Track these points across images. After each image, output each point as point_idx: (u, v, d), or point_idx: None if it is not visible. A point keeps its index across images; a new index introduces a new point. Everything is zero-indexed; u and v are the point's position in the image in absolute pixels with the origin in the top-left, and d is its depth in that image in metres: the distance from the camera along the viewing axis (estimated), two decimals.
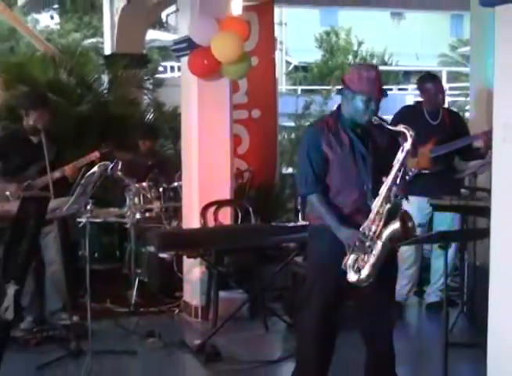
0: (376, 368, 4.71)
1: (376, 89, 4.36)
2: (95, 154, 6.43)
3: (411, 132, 4.31)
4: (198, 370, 5.48)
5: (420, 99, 6.84)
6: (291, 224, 7.05)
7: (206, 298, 6.51)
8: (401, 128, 4.36)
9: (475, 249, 6.12)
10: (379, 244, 4.28)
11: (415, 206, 6.46)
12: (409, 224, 4.29)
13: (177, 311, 6.75)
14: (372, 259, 4.29)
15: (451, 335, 5.15)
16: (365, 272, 4.29)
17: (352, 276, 4.31)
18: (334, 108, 4.66)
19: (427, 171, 6.43)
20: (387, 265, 4.40)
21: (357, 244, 4.27)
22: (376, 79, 4.37)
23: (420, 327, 6.76)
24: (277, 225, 7.26)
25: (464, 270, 6.50)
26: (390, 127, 4.40)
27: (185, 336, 6.05)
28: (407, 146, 4.31)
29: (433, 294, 6.77)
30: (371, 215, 4.31)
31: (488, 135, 6.24)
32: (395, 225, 4.24)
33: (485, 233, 4.01)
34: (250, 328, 6.28)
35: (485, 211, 4.10)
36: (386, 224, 4.28)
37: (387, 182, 4.29)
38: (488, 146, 6.32)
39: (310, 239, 4.67)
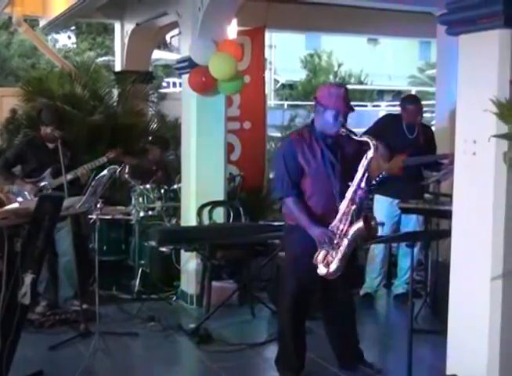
0: (341, 345, 4.77)
1: (344, 105, 4.40)
2: (103, 159, 6.41)
3: (374, 142, 4.34)
4: (192, 350, 5.45)
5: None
6: (276, 223, 7.04)
7: (200, 287, 6.48)
8: (365, 137, 4.41)
9: (438, 247, 6.12)
10: (345, 241, 4.32)
11: (385, 206, 6.48)
12: (372, 223, 4.34)
13: (174, 298, 6.72)
14: (339, 255, 4.32)
15: (415, 323, 5.19)
16: (333, 267, 4.36)
17: (322, 270, 4.37)
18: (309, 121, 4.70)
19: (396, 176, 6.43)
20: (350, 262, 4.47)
21: (326, 240, 4.29)
22: (343, 96, 4.41)
23: (388, 316, 6.75)
24: (264, 223, 7.28)
25: (428, 265, 6.49)
26: (356, 137, 4.43)
27: (182, 320, 6.03)
28: (370, 153, 4.35)
29: (400, 286, 6.76)
30: (338, 215, 4.34)
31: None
32: (359, 224, 4.30)
33: (447, 234, 4.01)
34: (239, 314, 6.25)
35: (448, 214, 4.09)
36: (351, 223, 4.31)
37: (353, 185, 4.31)
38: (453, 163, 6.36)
39: (285, 235, 4.75)
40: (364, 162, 4.33)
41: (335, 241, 4.32)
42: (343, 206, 4.34)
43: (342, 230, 4.33)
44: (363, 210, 4.44)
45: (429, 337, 5.33)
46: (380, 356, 5.41)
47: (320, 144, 4.46)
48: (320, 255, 4.36)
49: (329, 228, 4.35)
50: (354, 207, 4.32)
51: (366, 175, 4.35)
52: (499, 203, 3.50)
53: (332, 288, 4.62)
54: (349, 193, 4.33)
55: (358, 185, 4.32)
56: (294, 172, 4.45)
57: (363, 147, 4.41)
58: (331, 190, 4.42)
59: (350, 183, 4.33)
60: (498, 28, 3.43)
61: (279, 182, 4.53)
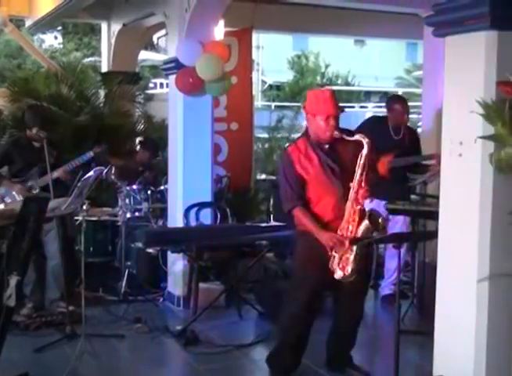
0: (337, 347, 4.76)
1: (332, 107, 4.39)
2: (90, 153, 6.38)
3: (366, 140, 4.35)
4: (179, 352, 5.44)
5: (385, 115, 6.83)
6: (264, 224, 7.08)
7: (187, 288, 6.47)
8: (357, 137, 4.40)
9: (425, 248, 6.14)
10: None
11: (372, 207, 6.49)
12: (379, 220, 4.36)
13: (161, 300, 6.71)
14: (352, 256, 4.32)
15: (402, 324, 5.20)
16: (348, 269, 4.34)
17: (339, 274, 4.36)
18: (303, 130, 4.69)
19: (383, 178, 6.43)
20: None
21: (336, 244, 4.31)
22: (330, 98, 4.41)
23: (375, 317, 6.75)
24: (251, 225, 7.30)
25: (415, 267, 6.50)
26: (348, 137, 4.41)
27: (168, 322, 6.01)
28: (364, 151, 4.34)
29: (387, 287, 6.77)
30: (345, 217, 4.35)
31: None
32: (365, 223, 4.31)
33: (434, 235, 4.02)
34: (226, 316, 6.24)
35: (434, 215, 4.10)
36: (359, 223, 4.31)
37: (353, 186, 4.32)
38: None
39: (297, 239, 4.69)
40: (360, 161, 4.35)
41: (345, 243, 4.33)
42: (348, 208, 4.36)
43: (351, 231, 4.35)
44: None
45: (416, 338, 5.34)
46: (368, 357, 5.41)
47: (316, 151, 4.48)
48: (335, 260, 4.38)
49: (338, 231, 4.38)
50: (358, 207, 4.34)
51: (365, 173, 4.36)
52: (485, 204, 3.51)
53: (347, 292, 4.61)
54: (351, 194, 4.35)
55: (359, 184, 4.33)
56: (295, 182, 4.47)
57: (359, 147, 4.41)
58: (336, 194, 4.44)
59: (351, 184, 4.35)
60: (484, 30, 3.44)
61: (283, 194, 4.57)
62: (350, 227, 4.36)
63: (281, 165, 4.65)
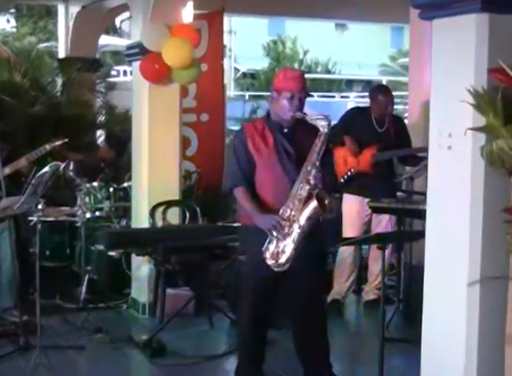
0: (309, 357, 4.76)
1: (299, 87, 4.47)
2: (45, 147, 6.33)
3: (326, 120, 4.38)
4: (144, 364, 5.42)
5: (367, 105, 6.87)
6: (237, 224, 7.03)
7: (153, 295, 6.46)
8: (318, 116, 4.43)
9: (411, 249, 6.17)
10: (296, 227, 4.30)
11: (354, 205, 6.52)
12: (326, 201, 4.31)
13: (125, 307, 6.71)
14: (290, 242, 4.32)
15: (387, 331, 5.22)
16: (283, 257, 4.33)
17: (270, 261, 4.34)
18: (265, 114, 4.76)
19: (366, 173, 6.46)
20: (312, 258, 4.48)
21: (275, 226, 4.30)
22: (299, 78, 4.52)
23: (358, 324, 6.80)
24: (223, 225, 7.28)
25: (401, 269, 6.54)
26: (308, 118, 4.43)
27: (133, 332, 6.00)
28: (323, 130, 4.37)
29: (370, 292, 6.80)
30: (290, 198, 4.35)
31: None
32: (313, 204, 4.27)
33: (421, 235, 4.03)
34: (196, 324, 6.24)
35: (421, 214, 4.12)
36: (306, 203, 4.30)
37: (306, 165, 4.33)
38: None
39: (242, 238, 4.77)
40: (318, 141, 4.37)
41: (285, 227, 4.31)
42: (295, 187, 4.35)
43: (294, 215, 4.33)
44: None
45: (402, 346, 5.37)
46: (350, 367, 5.44)
47: (274, 133, 4.54)
48: (270, 245, 4.34)
49: (280, 212, 4.35)
50: (307, 187, 4.33)
51: (321, 154, 4.37)
52: (476, 201, 3.52)
53: (297, 294, 4.61)
54: (302, 174, 4.35)
55: (313, 165, 4.34)
56: (245, 161, 4.52)
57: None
58: (285, 179, 4.46)
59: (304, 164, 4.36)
60: (474, 12, 3.45)
61: (229, 172, 4.73)
62: (293, 210, 4.32)
63: (233, 141, 4.74)
